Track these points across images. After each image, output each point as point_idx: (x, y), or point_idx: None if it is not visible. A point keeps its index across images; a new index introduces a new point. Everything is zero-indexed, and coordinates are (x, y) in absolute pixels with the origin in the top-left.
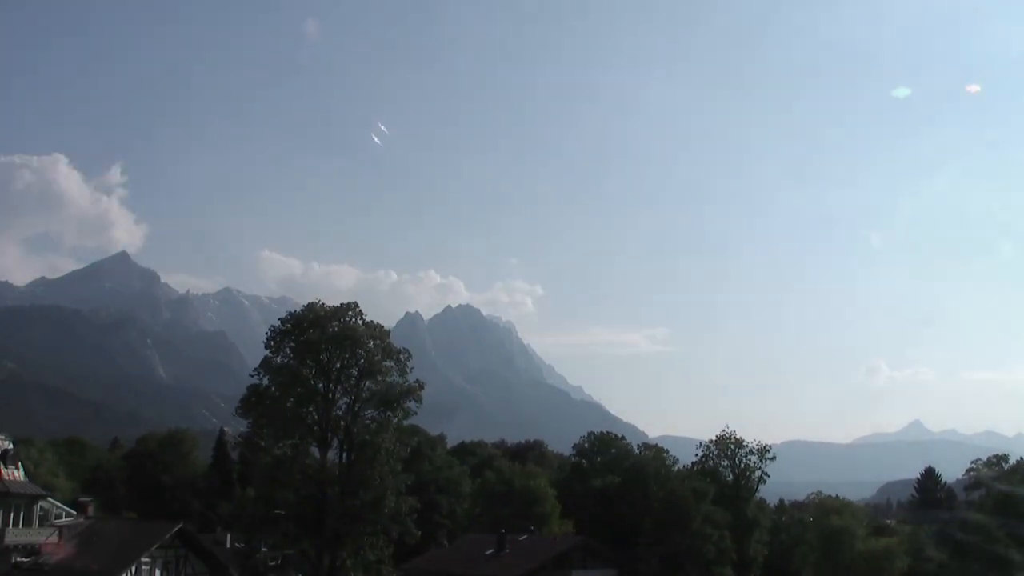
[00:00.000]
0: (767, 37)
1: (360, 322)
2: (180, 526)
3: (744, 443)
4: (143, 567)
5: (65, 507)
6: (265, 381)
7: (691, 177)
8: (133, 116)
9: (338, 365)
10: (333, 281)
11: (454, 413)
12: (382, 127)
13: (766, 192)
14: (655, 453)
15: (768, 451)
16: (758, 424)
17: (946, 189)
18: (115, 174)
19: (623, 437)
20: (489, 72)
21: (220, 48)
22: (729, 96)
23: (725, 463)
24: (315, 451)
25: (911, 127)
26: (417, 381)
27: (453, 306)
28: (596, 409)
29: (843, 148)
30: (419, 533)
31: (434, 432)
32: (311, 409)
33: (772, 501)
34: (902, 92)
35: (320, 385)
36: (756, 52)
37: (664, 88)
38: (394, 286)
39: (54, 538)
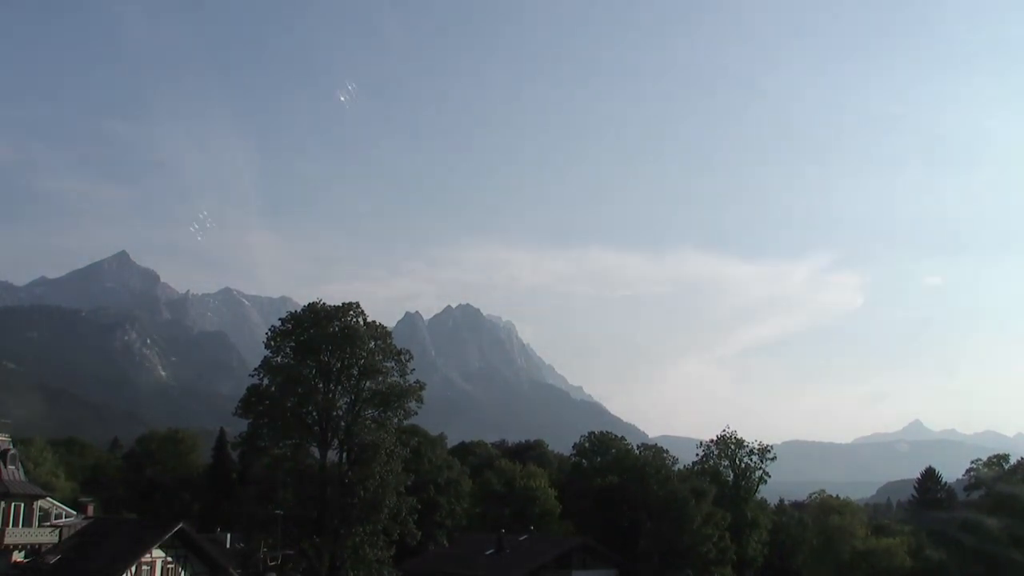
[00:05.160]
0: None
1: (361, 322)
2: (180, 526)
3: (744, 443)
4: (143, 567)
5: (65, 507)
6: (265, 381)
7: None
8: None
9: (338, 365)
10: None
11: (454, 413)
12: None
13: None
14: (655, 453)
15: (768, 451)
16: (758, 424)
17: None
18: None
19: (623, 437)
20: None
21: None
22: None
23: (726, 463)
24: (315, 451)
25: None
26: (417, 381)
27: (453, 306)
28: (596, 409)
29: None
30: (420, 533)
31: (434, 432)
32: (311, 409)
33: (772, 501)
34: None
35: (320, 385)
36: None
37: None
38: None
39: (54, 538)
